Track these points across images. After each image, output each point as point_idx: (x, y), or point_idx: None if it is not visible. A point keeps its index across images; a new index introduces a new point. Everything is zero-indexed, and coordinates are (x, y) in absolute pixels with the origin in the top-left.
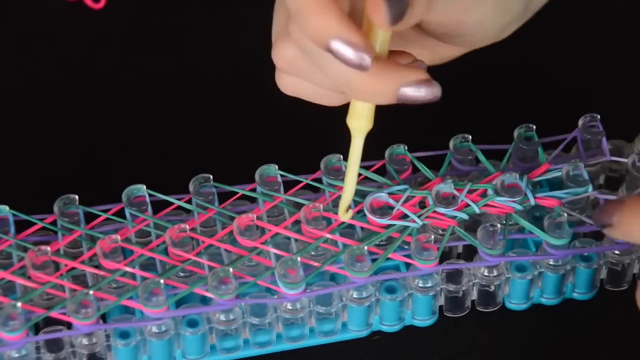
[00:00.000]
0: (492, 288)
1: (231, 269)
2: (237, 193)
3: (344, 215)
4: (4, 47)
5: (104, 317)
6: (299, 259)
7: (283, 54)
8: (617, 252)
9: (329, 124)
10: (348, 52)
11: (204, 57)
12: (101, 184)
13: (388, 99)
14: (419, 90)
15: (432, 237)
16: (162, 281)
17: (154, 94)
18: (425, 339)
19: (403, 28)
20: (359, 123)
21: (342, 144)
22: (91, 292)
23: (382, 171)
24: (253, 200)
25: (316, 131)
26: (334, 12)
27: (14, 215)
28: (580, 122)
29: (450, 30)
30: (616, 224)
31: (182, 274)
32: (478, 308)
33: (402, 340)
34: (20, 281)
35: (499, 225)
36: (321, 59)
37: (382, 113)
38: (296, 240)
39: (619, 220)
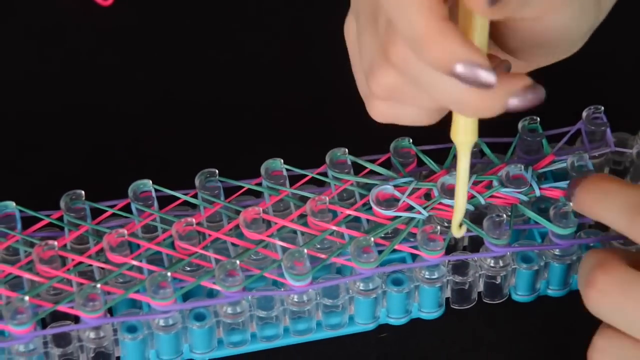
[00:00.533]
0: (499, 279)
1: (238, 262)
2: (242, 187)
3: (458, 232)
4: (12, 43)
5: (111, 313)
6: (305, 250)
7: (384, 82)
8: (621, 241)
9: (333, 118)
10: (474, 74)
11: (211, 53)
12: (106, 179)
13: (497, 111)
14: (525, 98)
15: (438, 228)
16: (169, 274)
17: (160, 90)
18: (433, 335)
19: (500, 16)
20: (465, 138)
21: (347, 138)
22: (98, 285)
23: (387, 164)
24: (259, 194)
25: (321, 125)
26: (457, 36)
27: (20, 211)
28: (584, 114)
29: (533, 38)
30: (574, 198)
31: (188, 268)
32: (484, 300)
33: (410, 334)
34: (27, 276)
35: (505, 215)
36: (429, 81)
37: None
38: (302, 233)
39: (576, 195)
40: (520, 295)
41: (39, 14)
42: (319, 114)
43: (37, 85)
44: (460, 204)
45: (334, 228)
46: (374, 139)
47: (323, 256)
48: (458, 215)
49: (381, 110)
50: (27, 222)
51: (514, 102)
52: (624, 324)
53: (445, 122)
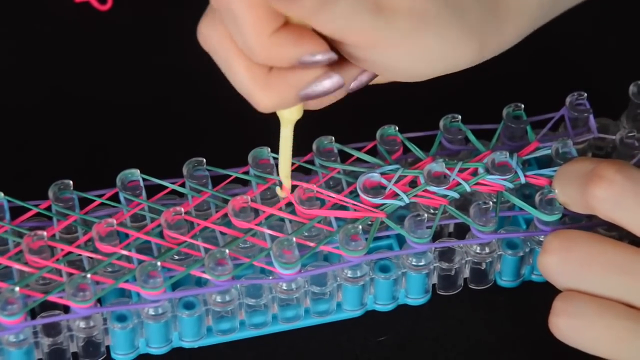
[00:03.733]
0: (484, 266)
1: (227, 250)
2: (230, 176)
3: (281, 193)
4: (11, 46)
5: (100, 301)
6: (294, 239)
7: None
8: (605, 227)
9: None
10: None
11: (204, 57)
12: (93, 169)
13: (293, 104)
14: (322, 85)
15: (425, 215)
16: (159, 263)
17: (152, 87)
18: (430, 340)
19: (294, 15)
20: (288, 112)
21: (331, 126)
22: (88, 275)
23: (373, 152)
24: (245, 182)
25: (306, 115)
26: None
27: (8, 201)
28: (567, 100)
29: (370, 67)
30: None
31: (177, 257)
32: (470, 286)
33: (410, 345)
34: (17, 266)
35: (491, 202)
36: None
37: (373, 94)
38: (290, 221)
39: (554, 185)
40: (506, 280)
41: (36, 19)
42: None
43: (30, 80)
44: (283, 169)
45: (323, 214)
46: (361, 126)
47: (311, 244)
48: (285, 181)
49: None
50: (15, 211)
51: (309, 92)
52: (583, 284)
53: (430, 109)
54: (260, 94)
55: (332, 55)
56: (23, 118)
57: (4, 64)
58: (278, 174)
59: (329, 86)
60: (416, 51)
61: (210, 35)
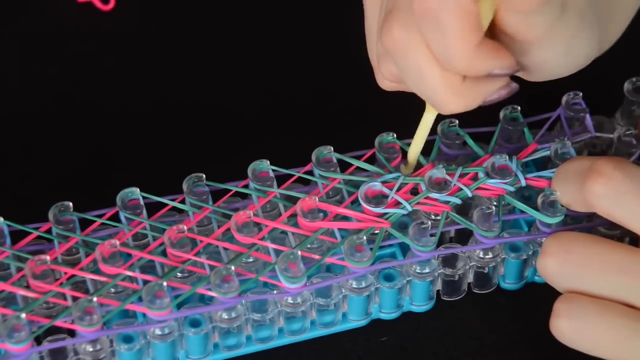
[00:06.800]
0: (488, 270)
1: (233, 267)
2: (229, 190)
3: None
4: (13, 47)
5: (104, 323)
6: (299, 252)
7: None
8: (607, 226)
9: (316, 117)
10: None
11: (206, 59)
12: (89, 187)
13: (474, 107)
14: (499, 95)
15: (429, 223)
16: (165, 283)
17: (152, 90)
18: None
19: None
20: None
21: (329, 137)
22: (95, 298)
23: (371, 160)
24: (244, 196)
25: (303, 124)
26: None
27: (8, 225)
28: (563, 100)
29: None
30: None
31: (180, 275)
32: (474, 290)
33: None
34: (21, 292)
35: (493, 207)
36: (414, 77)
37: (368, 102)
38: (293, 233)
39: (553, 186)
40: (509, 283)
41: (39, 19)
42: (300, 113)
43: (31, 90)
44: (414, 150)
45: (326, 226)
46: (358, 135)
47: (317, 257)
48: (411, 160)
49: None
50: (14, 233)
51: (489, 100)
52: (583, 285)
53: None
54: (450, 99)
55: (518, 68)
56: (17, 124)
57: (4, 63)
58: (408, 152)
59: (507, 93)
60: (574, 46)
61: (403, 38)
